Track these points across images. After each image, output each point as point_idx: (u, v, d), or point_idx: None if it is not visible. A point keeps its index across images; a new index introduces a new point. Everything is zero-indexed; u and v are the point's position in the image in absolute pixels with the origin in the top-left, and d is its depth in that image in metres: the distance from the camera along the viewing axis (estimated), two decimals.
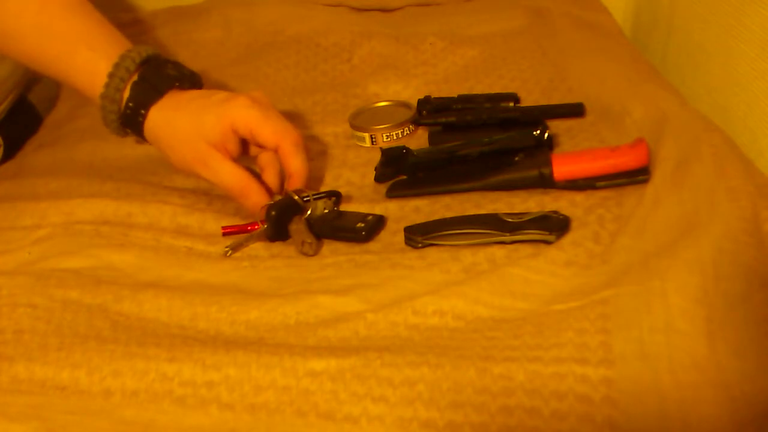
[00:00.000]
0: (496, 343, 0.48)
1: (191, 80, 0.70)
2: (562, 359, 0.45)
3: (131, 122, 0.68)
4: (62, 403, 0.49)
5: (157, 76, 0.68)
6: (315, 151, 0.80)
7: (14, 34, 0.70)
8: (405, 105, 0.85)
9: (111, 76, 0.66)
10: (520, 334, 0.48)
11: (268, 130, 0.66)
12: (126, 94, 0.67)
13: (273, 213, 0.64)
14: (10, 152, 0.94)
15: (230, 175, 0.66)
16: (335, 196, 0.69)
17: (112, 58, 0.67)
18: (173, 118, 0.67)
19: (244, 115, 0.65)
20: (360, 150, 0.80)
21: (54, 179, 0.78)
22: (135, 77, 0.67)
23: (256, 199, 0.66)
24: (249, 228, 0.66)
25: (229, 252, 0.63)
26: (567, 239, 0.57)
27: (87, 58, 0.68)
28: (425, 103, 0.83)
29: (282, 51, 1.01)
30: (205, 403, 0.47)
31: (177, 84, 0.68)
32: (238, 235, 0.66)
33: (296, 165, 0.67)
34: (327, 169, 0.76)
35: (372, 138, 0.81)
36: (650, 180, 0.62)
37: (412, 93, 0.89)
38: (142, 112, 0.67)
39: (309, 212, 0.65)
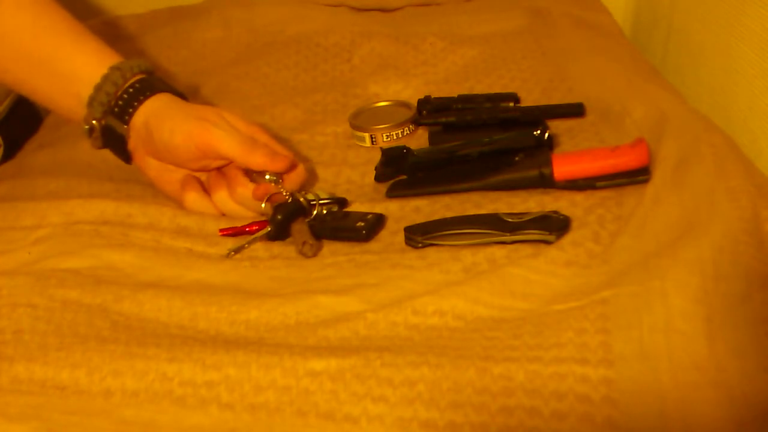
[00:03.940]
0: (496, 343, 0.48)
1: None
2: (562, 359, 0.45)
3: (125, 104, 0.68)
4: (62, 403, 0.49)
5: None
6: (315, 151, 0.80)
7: None
8: (405, 105, 0.85)
9: (118, 67, 0.68)
10: (520, 334, 0.48)
11: (257, 161, 0.67)
12: (127, 83, 0.69)
13: (279, 217, 0.64)
14: (10, 152, 0.94)
15: (238, 135, 0.67)
16: (340, 203, 0.69)
17: (114, 59, 0.69)
18: (183, 103, 0.70)
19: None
20: (360, 150, 0.80)
21: (54, 179, 0.77)
22: (139, 76, 0.70)
23: (262, 153, 0.67)
24: (247, 229, 0.66)
25: (232, 254, 0.63)
26: (567, 239, 0.57)
27: (89, 53, 0.70)
28: (425, 103, 0.83)
29: (282, 51, 1.01)
30: (205, 403, 0.47)
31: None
32: (238, 237, 0.66)
33: (293, 180, 0.69)
34: (327, 169, 0.76)
35: (372, 138, 0.81)
36: (650, 180, 0.62)
37: (412, 93, 0.89)
38: (141, 98, 0.68)
39: (314, 214, 0.65)
